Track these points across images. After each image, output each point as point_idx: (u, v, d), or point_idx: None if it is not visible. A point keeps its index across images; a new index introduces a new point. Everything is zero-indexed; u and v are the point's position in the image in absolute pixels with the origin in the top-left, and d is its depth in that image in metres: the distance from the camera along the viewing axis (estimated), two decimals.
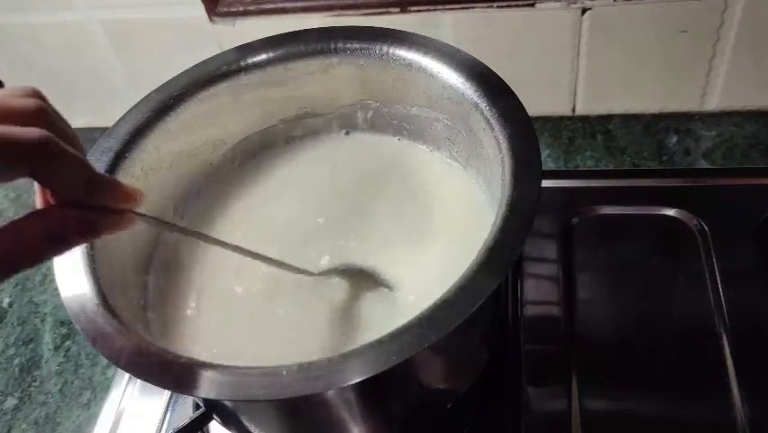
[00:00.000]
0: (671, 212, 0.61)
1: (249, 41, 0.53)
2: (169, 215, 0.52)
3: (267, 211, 0.54)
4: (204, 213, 0.54)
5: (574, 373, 0.53)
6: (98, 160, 0.47)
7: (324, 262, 0.50)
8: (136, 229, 0.48)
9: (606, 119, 0.73)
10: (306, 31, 0.52)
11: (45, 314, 0.67)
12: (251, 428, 0.45)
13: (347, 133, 0.57)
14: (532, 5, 0.65)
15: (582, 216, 0.62)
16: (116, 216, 0.34)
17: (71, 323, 0.51)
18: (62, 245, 0.32)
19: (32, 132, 0.29)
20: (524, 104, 0.45)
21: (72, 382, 0.61)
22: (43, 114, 0.30)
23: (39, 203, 0.33)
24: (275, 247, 0.51)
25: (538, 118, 0.72)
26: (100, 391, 0.60)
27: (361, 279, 0.49)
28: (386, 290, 0.48)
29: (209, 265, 0.51)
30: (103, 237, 0.33)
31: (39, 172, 0.29)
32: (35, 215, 0.31)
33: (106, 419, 0.56)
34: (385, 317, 0.47)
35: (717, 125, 0.70)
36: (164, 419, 0.55)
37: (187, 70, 0.51)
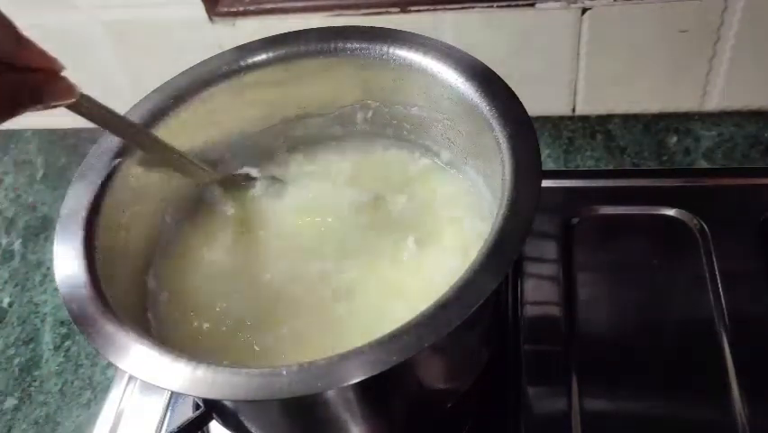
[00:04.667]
0: (671, 212, 0.61)
1: (249, 41, 0.53)
2: (169, 216, 0.52)
3: (266, 213, 0.54)
4: (203, 214, 0.55)
5: (574, 373, 0.53)
6: (98, 159, 0.47)
7: (325, 264, 0.50)
8: (136, 229, 0.48)
9: (606, 119, 0.73)
10: (306, 31, 0.52)
11: (45, 314, 0.67)
12: (251, 428, 0.45)
13: (346, 133, 0.57)
14: (532, 5, 0.65)
15: (582, 216, 0.62)
16: (57, 84, 0.38)
17: (71, 323, 0.51)
18: (14, 109, 0.36)
19: None
20: (524, 104, 0.45)
21: (72, 382, 0.61)
22: None
23: None
24: (276, 249, 0.52)
25: (538, 118, 0.72)
26: (100, 391, 0.60)
27: None
28: None
29: (209, 264, 0.51)
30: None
31: None
32: None
33: (106, 418, 0.56)
34: None
35: (717, 125, 0.70)
36: (164, 419, 0.55)
37: (187, 70, 0.51)
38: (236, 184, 0.54)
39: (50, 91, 0.38)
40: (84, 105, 0.41)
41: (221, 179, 0.53)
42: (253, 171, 0.54)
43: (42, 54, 0.37)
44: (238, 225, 0.53)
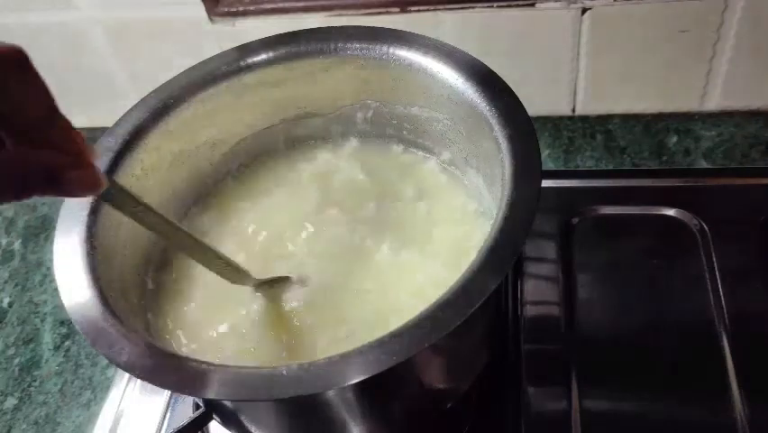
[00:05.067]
0: (671, 212, 0.61)
1: (249, 41, 0.53)
2: (170, 217, 0.52)
3: (267, 214, 0.54)
4: (203, 215, 0.55)
5: (574, 373, 0.53)
6: (99, 159, 0.47)
7: (323, 263, 0.50)
8: (136, 229, 0.48)
9: (606, 119, 0.73)
10: (306, 31, 0.52)
11: (45, 314, 0.67)
12: (251, 428, 0.45)
13: (346, 134, 0.57)
14: (532, 5, 0.65)
15: (582, 216, 0.62)
16: (81, 171, 0.32)
17: (71, 323, 0.51)
18: (23, 191, 0.30)
19: (5, 44, 0.29)
20: (524, 104, 0.45)
21: (72, 382, 0.61)
22: (19, 50, 0.29)
23: None
24: (276, 251, 0.52)
25: (538, 118, 0.72)
26: (100, 391, 0.60)
27: None
28: None
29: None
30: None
31: (9, 83, 0.29)
32: None
33: (106, 419, 0.56)
34: None
35: (717, 125, 0.70)
36: (164, 419, 0.55)
37: (187, 70, 0.51)
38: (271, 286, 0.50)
39: (71, 179, 0.32)
40: (114, 197, 0.36)
41: (259, 283, 0.48)
42: (294, 276, 0.50)
43: (76, 136, 0.32)
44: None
